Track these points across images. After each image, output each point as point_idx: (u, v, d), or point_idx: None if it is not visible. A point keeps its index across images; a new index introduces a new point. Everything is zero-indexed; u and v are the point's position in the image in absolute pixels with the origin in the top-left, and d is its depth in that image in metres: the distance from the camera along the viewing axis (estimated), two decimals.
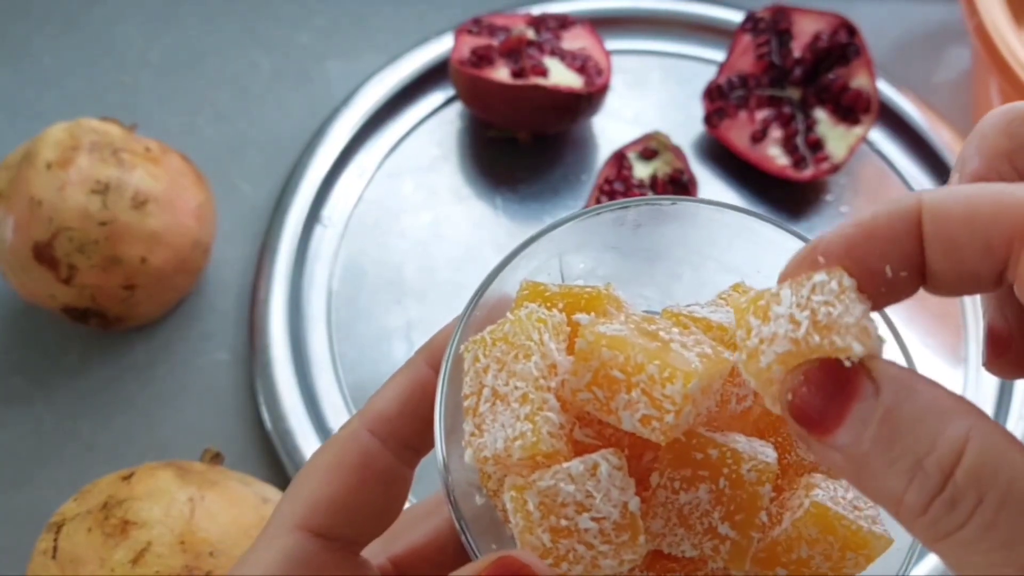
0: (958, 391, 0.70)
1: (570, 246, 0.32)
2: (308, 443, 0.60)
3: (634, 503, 0.26)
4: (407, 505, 0.33)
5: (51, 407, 0.63)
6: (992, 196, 0.21)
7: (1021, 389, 0.63)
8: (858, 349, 0.22)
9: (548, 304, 0.29)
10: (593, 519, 0.25)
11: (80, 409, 0.63)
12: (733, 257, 0.32)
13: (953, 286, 0.22)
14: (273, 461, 0.61)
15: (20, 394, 0.64)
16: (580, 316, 0.28)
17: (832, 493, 0.28)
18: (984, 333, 0.25)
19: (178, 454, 0.57)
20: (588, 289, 0.30)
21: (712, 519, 0.26)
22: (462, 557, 0.33)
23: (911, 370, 0.22)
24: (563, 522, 0.25)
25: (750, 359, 0.24)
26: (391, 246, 0.69)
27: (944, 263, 0.22)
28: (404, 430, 0.31)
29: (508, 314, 0.28)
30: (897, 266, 0.22)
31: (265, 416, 0.62)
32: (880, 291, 0.23)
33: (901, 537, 0.27)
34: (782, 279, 0.24)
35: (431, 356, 0.31)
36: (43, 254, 0.58)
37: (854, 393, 0.21)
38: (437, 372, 0.30)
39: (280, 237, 0.68)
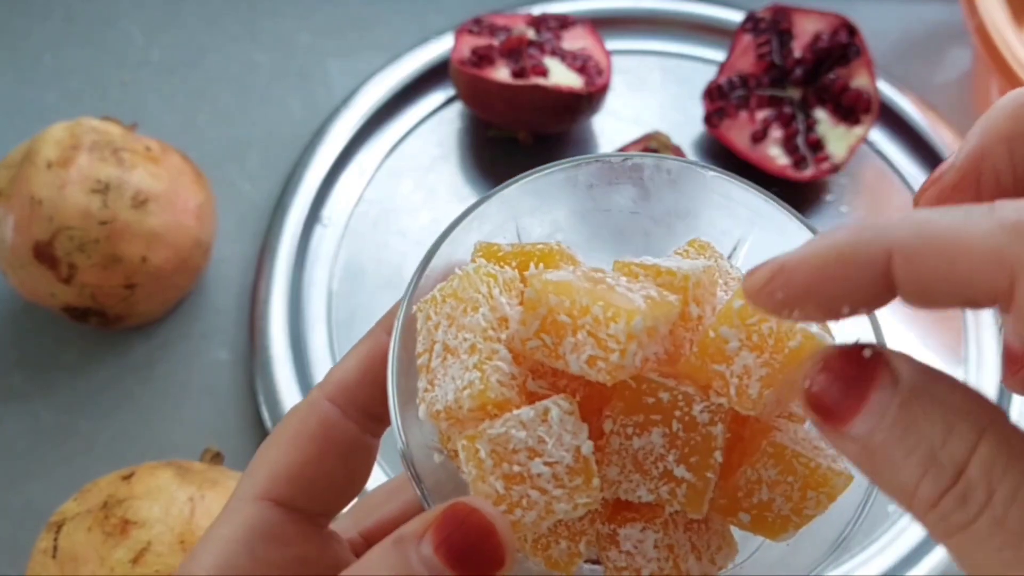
0: None
1: (524, 209, 0.31)
2: None
3: (587, 447, 0.25)
4: (383, 480, 0.32)
5: (51, 406, 0.63)
6: (966, 242, 0.19)
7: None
8: (814, 329, 0.24)
9: (501, 263, 0.29)
10: (546, 463, 0.25)
11: (80, 408, 0.63)
12: (692, 214, 0.32)
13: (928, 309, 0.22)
14: None
15: (20, 393, 0.64)
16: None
17: (792, 434, 0.27)
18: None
19: (178, 453, 0.57)
20: (540, 245, 0.29)
21: (667, 462, 0.26)
22: None
23: (930, 366, 0.22)
24: (516, 468, 0.25)
25: (740, 398, 0.25)
26: (391, 246, 0.69)
27: (919, 302, 0.21)
28: (364, 398, 0.30)
29: (457, 270, 0.28)
30: (861, 308, 0.22)
31: (265, 416, 0.62)
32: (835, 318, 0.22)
33: (861, 476, 0.27)
34: (749, 296, 0.23)
35: (389, 325, 0.31)
36: (43, 253, 0.58)
37: (872, 383, 0.21)
38: None
39: (280, 237, 0.68)
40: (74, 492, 0.51)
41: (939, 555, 0.57)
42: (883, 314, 0.30)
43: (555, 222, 0.32)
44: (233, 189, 0.71)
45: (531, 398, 0.27)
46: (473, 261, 0.29)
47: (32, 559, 0.49)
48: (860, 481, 0.27)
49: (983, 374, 0.64)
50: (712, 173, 0.31)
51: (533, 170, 0.31)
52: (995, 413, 0.20)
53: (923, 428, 0.20)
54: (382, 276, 0.68)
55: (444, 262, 0.30)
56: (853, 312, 0.21)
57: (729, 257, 0.32)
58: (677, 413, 0.26)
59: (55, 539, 0.48)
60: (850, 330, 0.28)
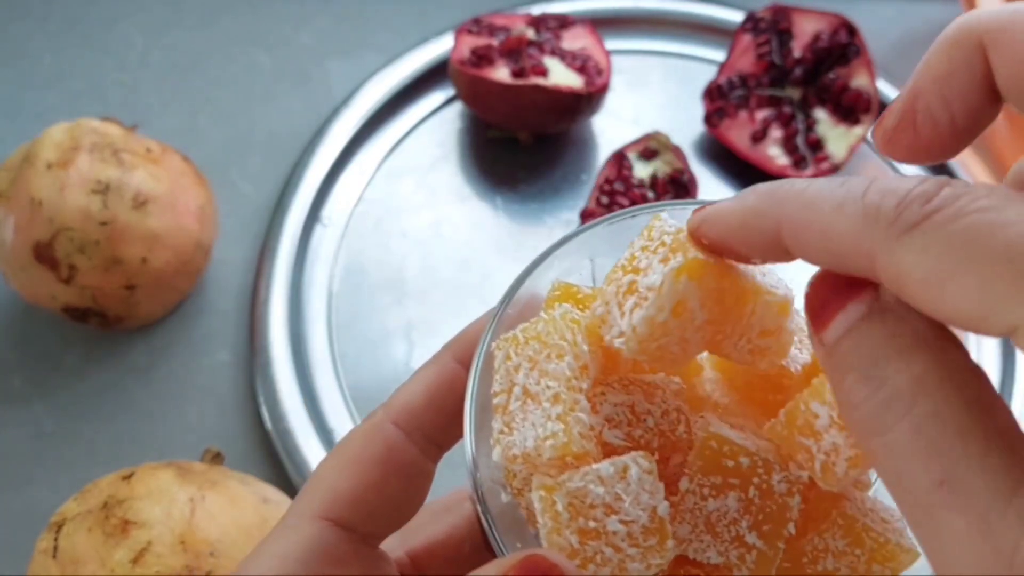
0: None
1: (602, 248, 0.31)
2: (308, 443, 0.60)
3: (663, 507, 0.25)
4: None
5: (51, 407, 0.63)
6: (836, 225, 0.21)
7: (1022, 389, 0.63)
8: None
9: (579, 306, 0.29)
10: (622, 522, 0.25)
11: (80, 409, 0.63)
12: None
13: None
14: (273, 461, 0.61)
15: (20, 394, 0.64)
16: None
17: (860, 505, 0.27)
18: (900, 106, 0.25)
19: (178, 454, 0.57)
20: None
21: (740, 528, 0.26)
22: (479, 555, 0.32)
23: (916, 311, 0.21)
24: (591, 524, 0.25)
25: (825, 475, 0.25)
26: (391, 246, 0.69)
27: (813, 265, 0.22)
28: (429, 424, 0.30)
29: (541, 313, 0.28)
30: (770, 261, 0.24)
31: (265, 416, 0.62)
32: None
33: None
34: (688, 234, 0.25)
35: (458, 351, 0.31)
36: (43, 254, 0.58)
37: (854, 294, 0.22)
38: (464, 367, 0.30)
39: (280, 237, 0.68)
40: (74, 492, 0.51)
41: None
42: None
43: None
44: (233, 190, 0.71)
45: (607, 448, 0.27)
46: (550, 303, 0.29)
47: (32, 559, 0.49)
48: (925, 559, 0.27)
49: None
50: None
51: (617, 212, 0.31)
52: (957, 349, 0.20)
53: (876, 345, 0.21)
54: (382, 276, 0.68)
55: (522, 297, 0.30)
56: (765, 262, 0.24)
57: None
58: (755, 480, 0.26)
59: (55, 539, 0.48)
60: None
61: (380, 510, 0.30)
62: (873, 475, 0.30)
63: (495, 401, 0.27)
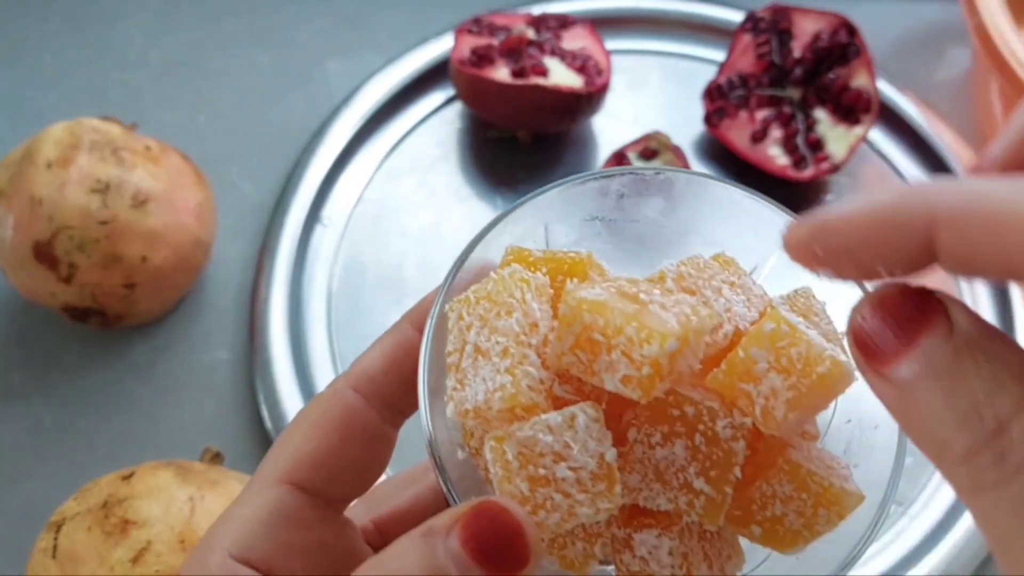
0: None
1: (555, 215, 0.32)
2: None
3: (611, 454, 0.26)
4: (389, 474, 0.33)
5: (51, 406, 0.63)
6: (1014, 214, 0.19)
7: None
8: (843, 359, 0.25)
9: (532, 268, 0.29)
10: (570, 468, 0.26)
11: (80, 408, 0.63)
12: (717, 229, 0.33)
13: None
14: None
15: (20, 393, 0.64)
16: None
17: (806, 452, 0.28)
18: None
19: (178, 453, 0.57)
20: (571, 254, 0.30)
21: (687, 474, 0.27)
22: None
23: (986, 321, 0.21)
24: (541, 471, 0.26)
25: (765, 419, 0.26)
26: (391, 246, 0.69)
27: (960, 271, 0.20)
28: (388, 390, 0.31)
29: (491, 274, 0.29)
30: (898, 272, 0.21)
31: (265, 416, 0.62)
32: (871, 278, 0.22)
33: (872, 496, 0.28)
34: (789, 250, 0.23)
35: (416, 319, 0.31)
36: (43, 253, 0.58)
37: (925, 327, 0.21)
38: (422, 334, 0.30)
39: (280, 237, 0.68)
40: (74, 492, 0.51)
41: (939, 555, 0.57)
42: (835, 304, 0.30)
43: (582, 228, 0.33)
44: (233, 189, 0.71)
45: (557, 403, 0.27)
46: (504, 264, 0.30)
47: (32, 559, 0.49)
48: (871, 502, 0.28)
49: None
50: (741, 192, 0.32)
51: (568, 178, 0.31)
52: None
53: (971, 379, 0.20)
54: (382, 276, 0.68)
55: (475, 263, 0.30)
56: (889, 275, 0.21)
57: (752, 273, 0.32)
58: (701, 427, 0.27)
59: (55, 539, 0.48)
60: None
61: (342, 474, 0.30)
62: (823, 426, 0.30)
63: (448, 360, 0.28)
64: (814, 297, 0.31)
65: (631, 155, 0.69)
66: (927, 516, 0.59)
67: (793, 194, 0.71)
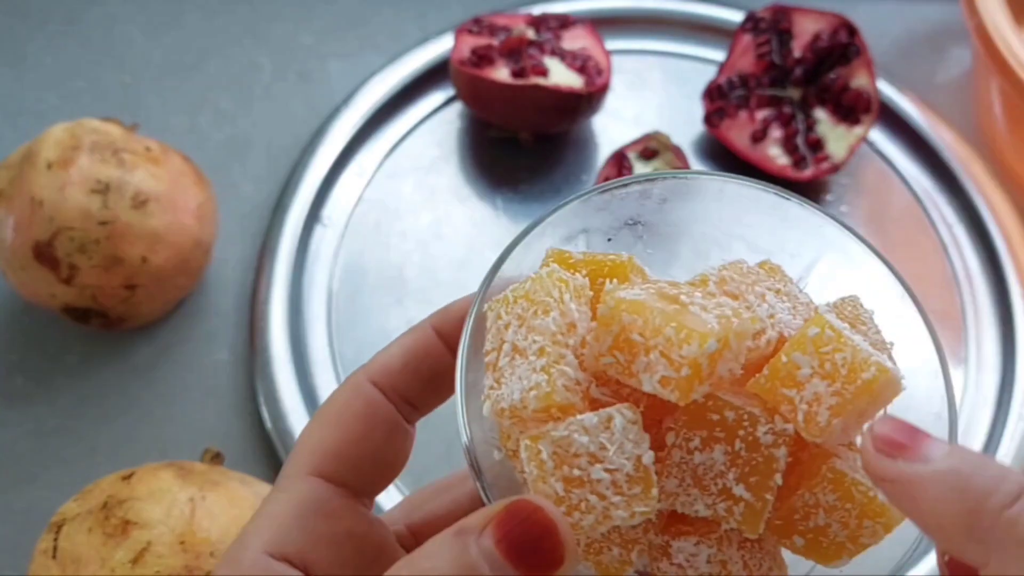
0: (958, 391, 0.70)
1: (596, 220, 0.32)
2: None
3: (648, 456, 0.26)
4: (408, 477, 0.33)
5: (52, 407, 0.63)
6: None
7: (1021, 388, 0.63)
8: (889, 365, 0.25)
9: (572, 270, 0.29)
10: (606, 470, 0.25)
11: (81, 409, 0.63)
12: (759, 234, 0.32)
13: None
14: (273, 461, 0.61)
15: (21, 394, 0.64)
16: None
17: (852, 462, 0.27)
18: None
19: (179, 454, 0.57)
20: (611, 257, 0.30)
21: (727, 480, 0.26)
22: None
23: None
24: (576, 472, 0.25)
25: (808, 425, 0.26)
26: (391, 246, 0.69)
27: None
28: (404, 385, 0.31)
29: (530, 273, 0.28)
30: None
31: (265, 416, 0.62)
32: None
33: None
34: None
35: (438, 321, 0.32)
36: (44, 254, 0.58)
37: (927, 436, 0.24)
38: (442, 337, 0.31)
39: (280, 237, 0.68)
40: (75, 493, 0.51)
41: None
42: (883, 314, 0.30)
43: (622, 233, 0.33)
44: (234, 190, 0.71)
45: (595, 404, 0.27)
46: (544, 265, 0.30)
47: (33, 560, 0.49)
48: None
49: (983, 374, 0.64)
50: (789, 199, 0.31)
51: (609, 182, 0.31)
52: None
53: (974, 475, 0.23)
54: (382, 276, 0.68)
55: (514, 266, 0.30)
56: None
57: (798, 282, 0.32)
58: (741, 432, 0.26)
59: (55, 540, 0.48)
60: (918, 361, 0.29)
61: (365, 464, 0.31)
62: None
63: (486, 359, 0.28)
64: (862, 305, 0.30)
65: (631, 155, 0.70)
66: None
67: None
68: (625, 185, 0.31)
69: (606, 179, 0.69)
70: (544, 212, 0.31)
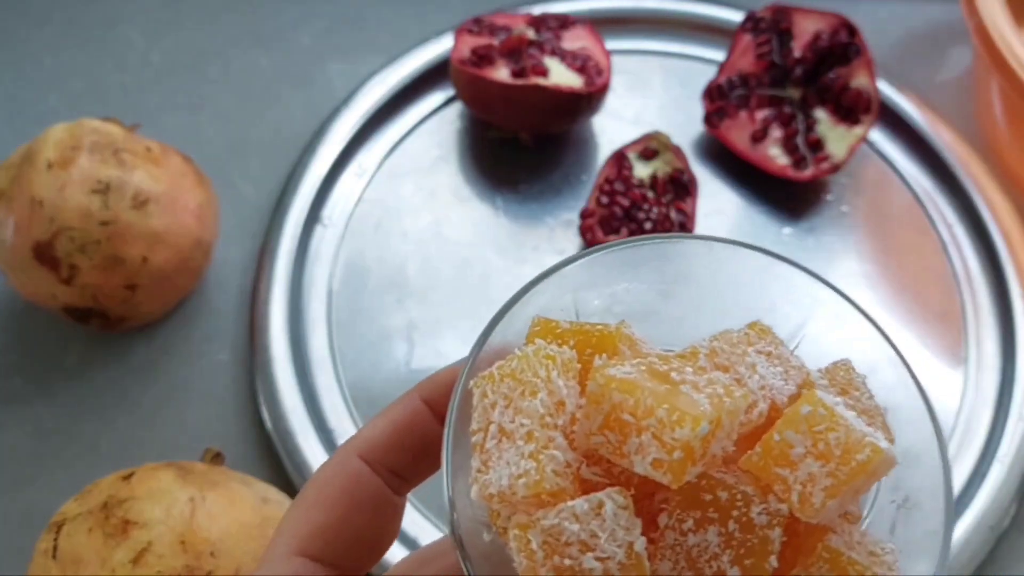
0: (958, 391, 0.69)
1: (583, 282, 0.31)
2: (308, 443, 0.60)
3: (639, 543, 0.25)
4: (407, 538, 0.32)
5: (52, 407, 0.63)
6: None
7: (1021, 388, 0.63)
8: (884, 445, 0.25)
9: (559, 341, 0.29)
10: (597, 559, 0.25)
11: (81, 409, 0.63)
12: (748, 295, 0.32)
13: None
14: (273, 461, 0.61)
15: (21, 394, 0.64)
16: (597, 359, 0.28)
17: (847, 538, 0.27)
18: None
19: (179, 454, 0.57)
20: (600, 327, 0.29)
21: (721, 562, 0.26)
22: None
23: None
24: (567, 562, 0.25)
25: (803, 506, 0.25)
26: (392, 246, 0.69)
27: None
28: (391, 459, 0.31)
29: (516, 350, 0.28)
30: None
31: (265, 416, 0.62)
32: None
33: None
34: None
35: (425, 391, 0.31)
36: (44, 254, 0.58)
37: None
38: (430, 407, 0.30)
39: (280, 237, 0.68)
40: (75, 493, 0.51)
41: None
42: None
43: (613, 295, 0.32)
44: (234, 190, 0.71)
45: (585, 485, 0.27)
46: (530, 339, 0.29)
47: (33, 560, 0.49)
48: None
49: (983, 374, 0.64)
50: (777, 261, 0.31)
51: (593, 248, 0.31)
52: None
53: None
54: (383, 276, 0.68)
55: (500, 335, 0.30)
56: None
57: (789, 343, 0.31)
58: (735, 513, 0.26)
59: (55, 540, 0.48)
60: (913, 432, 0.29)
61: (353, 542, 0.30)
62: (864, 507, 0.30)
63: (473, 440, 0.27)
64: (854, 370, 0.30)
65: (631, 155, 0.70)
66: None
67: (793, 194, 0.71)
68: (612, 249, 0.31)
69: (606, 180, 0.69)
70: (531, 279, 0.30)
